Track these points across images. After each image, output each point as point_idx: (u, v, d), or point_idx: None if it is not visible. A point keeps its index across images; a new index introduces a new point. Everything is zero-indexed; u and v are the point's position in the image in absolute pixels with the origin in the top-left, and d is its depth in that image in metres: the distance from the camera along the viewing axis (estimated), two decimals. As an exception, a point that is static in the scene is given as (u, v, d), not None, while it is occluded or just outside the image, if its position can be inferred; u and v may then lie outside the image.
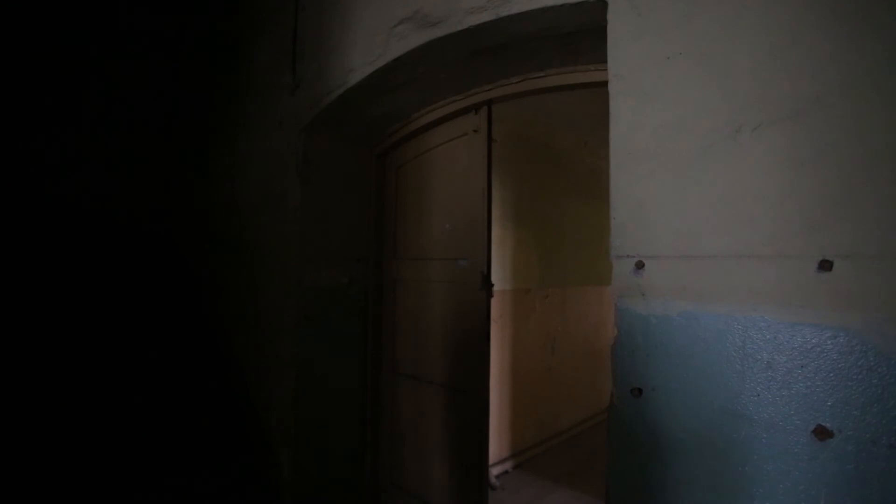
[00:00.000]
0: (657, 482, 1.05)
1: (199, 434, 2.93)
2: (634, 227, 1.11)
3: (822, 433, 0.83)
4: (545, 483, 3.13)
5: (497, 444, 3.24)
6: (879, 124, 0.81)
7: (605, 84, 1.21)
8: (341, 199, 2.50)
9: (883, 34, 0.81)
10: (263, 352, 2.87)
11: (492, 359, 2.04)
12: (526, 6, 1.35)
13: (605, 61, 1.20)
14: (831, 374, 0.83)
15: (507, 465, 3.34)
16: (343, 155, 2.51)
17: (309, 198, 2.38)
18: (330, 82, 2.17)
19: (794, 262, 0.88)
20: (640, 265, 1.09)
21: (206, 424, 3.03)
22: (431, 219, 2.31)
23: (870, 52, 0.82)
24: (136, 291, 4.06)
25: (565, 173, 4.13)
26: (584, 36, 1.43)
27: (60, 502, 2.33)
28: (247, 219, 3.32)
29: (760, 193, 0.93)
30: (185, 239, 4.74)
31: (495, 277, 2.05)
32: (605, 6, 1.19)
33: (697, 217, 1.01)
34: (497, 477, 3.21)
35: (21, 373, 2.96)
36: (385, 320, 2.58)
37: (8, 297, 3.30)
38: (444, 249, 2.23)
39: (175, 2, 4.23)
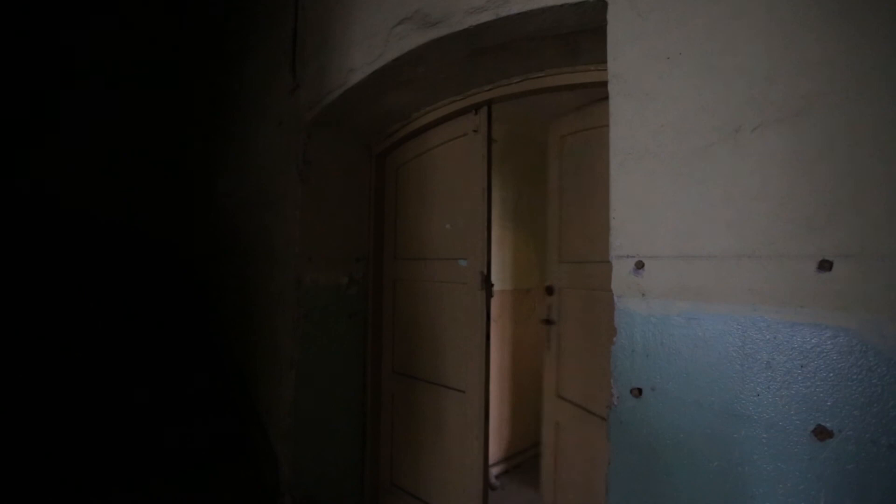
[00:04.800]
0: (656, 482, 1.05)
1: (198, 434, 2.93)
2: (634, 227, 1.11)
3: (821, 433, 0.83)
4: (545, 483, 3.12)
5: (497, 445, 3.24)
6: (879, 124, 0.81)
7: (605, 84, 1.21)
8: (341, 200, 2.50)
9: (884, 33, 0.81)
10: (263, 351, 2.87)
11: (492, 359, 2.05)
12: (526, 6, 1.35)
13: (605, 61, 1.20)
14: (831, 374, 0.83)
15: (507, 465, 3.34)
16: (343, 155, 2.51)
17: (309, 198, 2.38)
18: (330, 82, 2.17)
19: (794, 262, 0.88)
20: (640, 265, 1.09)
21: (206, 424, 3.03)
22: (431, 219, 2.31)
23: (870, 51, 0.82)
24: (136, 292, 4.06)
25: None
26: (584, 36, 1.43)
27: (58, 499, 2.33)
28: (246, 219, 3.32)
29: (760, 193, 0.93)
30: (186, 239, 4.75)
31: (495, 277, 2.06)
32: (604, 6, 1.19)
33: (697, 217, 1.01)
34: (497, 477, 3.21)
35: (21, 371, 2.96)
36: (385, 320, 2.58)
37: (14, 297, 3.30)
38: (444, 249, 2.23)
39: (175, 2, 4.24)
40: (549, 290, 2.10)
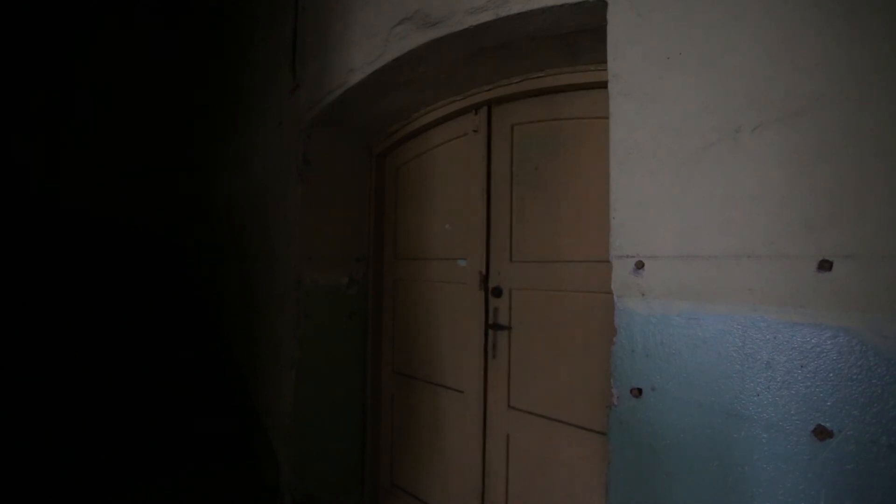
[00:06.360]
0: (656, 482, 1.05)
1: (198, 434, 2.93)
2: (634, 227, 1.11)
3: (821, 433, 0.83)
4: (545, 483, 3.12)
5: (497, 445, 3.23)
6: (879, 124, 0.81)
7: (605, 84, 1.21)
8: (341, 199, 2.50)
9: (884, 33, 0.81)
10: (263, 351, 2.87)
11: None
12: (526, 6, 1.35)
13: (605, 61, 1.20)
14: (831, 374, 0.83)
15: (507, 466, 3.34)
16: (343, 155, 2.51)
17: (309, 198, 2.39)
18: (330, 82, 2.17)
19: (794, 262, 0.88)
20: (639, 265, 1.09)
21: (207, 424, 3.03)
22: (431, 219, 2.31)
23: (870, 51, 0.82)
24: (137, 290, 4.06)
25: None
26: (584, 36, 1.43)
27: (59, 496, 2.33)
28: (247, 219, 3.32)
29: (760, 193, 0.93)
30: (187, 239, 4.75)
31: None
32: (604, 6, 1.19)
33: (697, 217, 1.01)
34: (497, 477, 3.20)
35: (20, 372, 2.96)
36: (385, 320, 2.58)
37: (16, 296, 3.30)
38: (444, 249, 2.23)
39: (175, 3, 4.23)
40: (497, 292, 1.93)
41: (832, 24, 0.86)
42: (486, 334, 2.00)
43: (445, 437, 2.18)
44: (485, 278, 2.01)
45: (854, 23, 0.84)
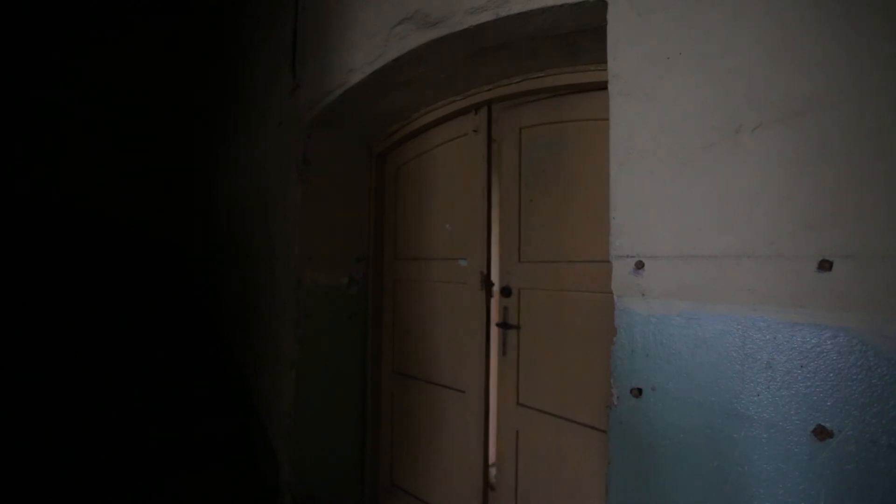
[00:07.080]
0: (656, 481, 1.05)
1: (198, 434, 2.93)
2: (634, 227, 1.11)
3: (821, 433, 0.83)
4: (545, 483, 3.12)
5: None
6: (879, 124, 0.81)
7: (605, 84, 1.21)
8: (341, 199, 2.50)
9: (884, 33, 0.81)
10: (263, 351, 2.87)
11: (491, 358, 2.05)
12: (526, 6, 1.35)
13: (605, 61, 1.20)
14: (831, 374, 0.83)
15: (507, 465, 3.34)
16: (343, 155, 2.51)
17: (309, 198, 2.39)
18: (330, 82, 2.17)
19: (794, 262, 0.88)
20: (639, 265, 1.09)
21: (208, 424, 3.03)
22: (431, 219, 2.31)
23: (870, 51, 0.82)
24: (138, 290, 4.06)
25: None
26: (584, 36, 1.43)
27: (60, 496, 2.33)
28: (247, 219, 3.32)
29: (760, 193, 0.93)
30: (187, 240, 4.75)
31: (495, 277, 2.05)
32: (604, 6, 1.19)
33: (697, 217, 1.01)
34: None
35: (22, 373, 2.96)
36: (385, 320, 2.58)
37: (13, 296, 3.30)
38: (444, 249, 2.23)
39: (175, 3, 4.23)
40: (506, 292, 1.94)
41: (832, 24, 0.86)
42: (488, 334, 2.00)
43: (445, 437, 2.18)
44: (486, 278, 2.01)
45: (854, 23, 0.84)
